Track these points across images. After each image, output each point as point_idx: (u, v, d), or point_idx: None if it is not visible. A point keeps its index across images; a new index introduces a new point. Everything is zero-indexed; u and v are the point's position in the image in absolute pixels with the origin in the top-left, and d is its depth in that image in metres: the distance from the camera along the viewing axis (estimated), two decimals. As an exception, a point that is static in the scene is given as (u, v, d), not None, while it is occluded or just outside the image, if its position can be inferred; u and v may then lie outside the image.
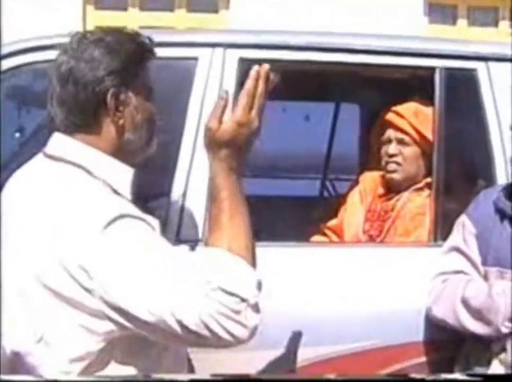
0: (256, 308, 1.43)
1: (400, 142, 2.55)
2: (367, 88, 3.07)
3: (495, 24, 6.86)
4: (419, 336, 2.18)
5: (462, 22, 6.86)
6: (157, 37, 2.27)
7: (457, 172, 2.38)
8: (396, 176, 2.56)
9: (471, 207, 2.15)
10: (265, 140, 5.66)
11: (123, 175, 1.62)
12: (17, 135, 3.16)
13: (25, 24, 5.88)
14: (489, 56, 2.39)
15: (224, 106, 1.55)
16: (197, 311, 1.39)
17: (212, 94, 2.27)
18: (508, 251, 1.94)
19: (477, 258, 2.07)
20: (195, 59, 2.30)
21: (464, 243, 2.11)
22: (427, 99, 2.48)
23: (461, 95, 2.39)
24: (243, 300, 1.41)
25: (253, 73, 1.56)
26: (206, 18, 6.62)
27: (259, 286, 1.45)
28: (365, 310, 2.22)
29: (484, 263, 2.04)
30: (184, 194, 2.22)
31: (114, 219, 1.46)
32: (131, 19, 6.59)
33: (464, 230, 2.12)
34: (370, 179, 2.69)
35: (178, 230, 2.19)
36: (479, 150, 2.34)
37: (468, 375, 1.59)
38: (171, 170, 2.24)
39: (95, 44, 1.59)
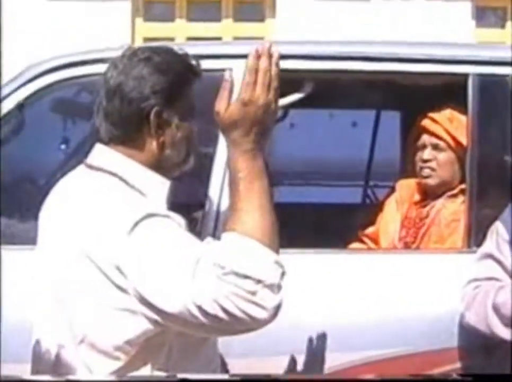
0: (273, 288, 1.43)
1: (435, 147, 2.57)
2: (405, 96, 3.08)
3: (545, 26, 6.78)
4: (453, 342, 2.19)
5: (511, 25, 6.80)
6: (191, 50, 2.34)
7: (491, 178, 2.37)
8: (430, 181, 2.57)
9: (505, 214, 2.13)
10: (311, 147, 5.72)
11: (159, 187, 1.68)
12: (63, 147, 3.25)
13: (75, 36, 6.03)
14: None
15: (230, 88, 1.59)
16: (214, 295, 1.42)
17: (245, 104, 2.31)
18: None
19: (510, 265, 2.06)
20: (230, 70, 2.34)
21: (497, 249, 2.10)
22: (462, 105, 2.48)
23: (494, 101, 2.39)
24: (259, 281, 1.42)
25: (253, 51, 1.58)
26: (253, 27, 6.68)
27: (277, 266, 1.45)
28: (399, 316, 2.24)
29: None
30: (218, 204, 2.26)
31: (142, 219, 1.52)
32: (179, 30, 6.69)
33: (497, 237, 2.11)
34: (406, 186, 2.70)
35: (213, 239, 2.23)
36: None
37: (468, 375, 1.58)
38: (206, 179, 2.28)
39: (144, 63, 1.66)
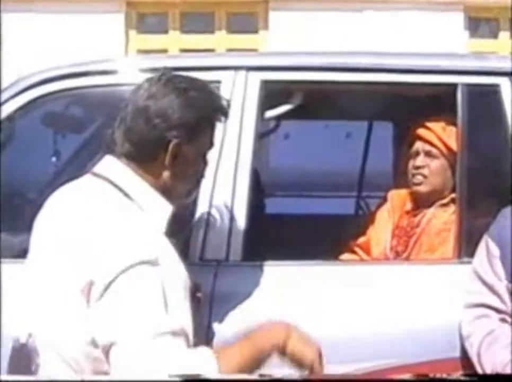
0: None
1: (428, 154, 2.57)
2: (396, 106, 3.09)
3: (538, 37, 6.80)
4: (446, 354, 2.17)
5: (504, 35, 6.82)
6: (180, 62, 2.35)
7: (481, 188, 2.37)
8: (421, 188, 2.57)
9: (493, 228, 2.10)
10: (306, 158, 5.72)
11: (161, 210, 1.70)
12: (53, 159, 3.25)
13: (69, 48, 6.03)
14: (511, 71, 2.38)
15: None
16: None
17: (234, 117, 2.31)
18: None
19: (502, 284, 2.02)
20: (218, 82, 2.35)
21: (490, 268, 2.06)
22: (452, 115, 2.49)
23: (483, 111, 2.39)
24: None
25: None
26: (246, 39, 6.70)
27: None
28: (391, 327, 2.23)
29: None
30: (207, 216, 2.26)
31: (132, 266, 1.54)
32: (172, 41, 6.71)
33: (488, 254, 2.08)
34: (398, 196, 2.70)
35: (202, 250, 2.23)
36: (503, 165, 2.33)
37: (472, 375, 1.58)
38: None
39: (179, 93, 1.68)
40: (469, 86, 2.38)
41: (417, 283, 2.28)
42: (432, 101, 2.67)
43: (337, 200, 4.62)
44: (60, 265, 1.60)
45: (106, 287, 1.53)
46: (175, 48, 6.58)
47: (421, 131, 2.61)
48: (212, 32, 6.71)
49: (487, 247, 2.07)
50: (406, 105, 3.00)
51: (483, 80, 2.39)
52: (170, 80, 1.70)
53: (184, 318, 1.60)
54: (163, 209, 1.70)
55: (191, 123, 1.67)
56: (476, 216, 2.34)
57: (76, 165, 2.55)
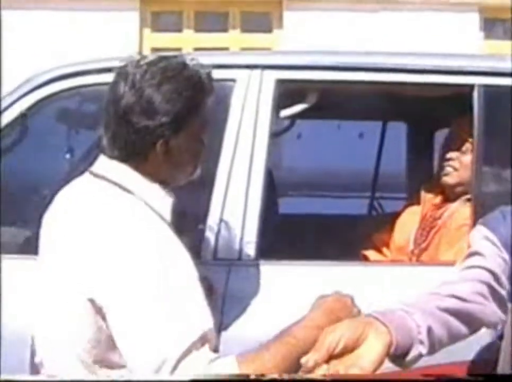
0: None
1: (460, 149, 2.59)
2: (411, 107, 3.07)
3: (553, 38, 6.76)
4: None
5: (519, 37, 6.78)
6: (195, 60, 2.34)
7: (497, 188, 2.36)
8: (449, 179, 2.60)
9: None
10: (318, 157, 5.70)
11: (163, 201, 1.68)
12: (67, 156, 3.25)
13: (84, 45, 6.05)
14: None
15: None
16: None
17: (249, 115, 2.30)
18: None
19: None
20: (233, 80, 2.34)
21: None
22: (468, 116, 2.47)
23: (500, 112, 2.37)
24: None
25: None
26: (260, 38, 6.69)
27: None
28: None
29: None
30: (221, 215, 2.25)
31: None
32: (187, 40, 6.71)
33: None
34: (428, 188, 2.73)
35: (215, 250, 2.22)
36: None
37: (475, 375, 1.54)
38: (209, 189, 2.27)
39: (154, 89, 1.62)
40: (485, 87, 2.36)
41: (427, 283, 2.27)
42: (446, 102, 2.66)
43: (351, 200, 4.61)
44: (66, 269, 1.59)
45: (116, 298, 1.52)
46: (189, 47, 6.58)
47: (455, 126, 2.65)
48: (226, 30, 6.71)
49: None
50: (420, 105, 2.99)
51: (500, 81, 2.37)
52: (143, 75, 1.63)
53: (207, 318, 1.58)
54: (164, 200, 1.68)
55: (174, 117, 1.62)
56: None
57: (90, 162, 2.53)
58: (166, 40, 6.65)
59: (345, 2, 6.50)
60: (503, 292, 1.68)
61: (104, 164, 1.68)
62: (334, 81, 2.39)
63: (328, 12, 6.52)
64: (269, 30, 6.71)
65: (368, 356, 1.35)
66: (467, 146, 2.56)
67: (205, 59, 2.42)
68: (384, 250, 2.76)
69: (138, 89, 1.62)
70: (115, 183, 1.65)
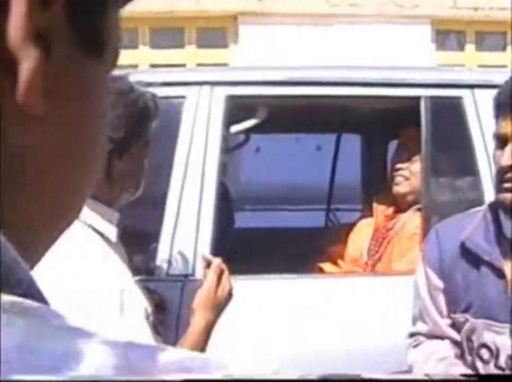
0: None
1: (409, 159, 2.63)
2: (363, 119, 3.12)
3: (503, 49, 6.89)
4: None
5: (470, 47, 6.89)
6: (145, 77, 2.35)
7: (446, 197, 2.40)
8: (400, 189, 2.64)
9: (432, 252, 1.77)
10: (277, 172, 5.69)
11: (109, 219, 1.67)
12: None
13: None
14: (474, 83, 2.42)
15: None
16: None
17: (200, 132, 2.32)
18: (495, 301, 1.64)
19: (444, 322, 1.77)
20: (183, 97, 2.36)
21: (430, 300, 1.78)
22: (417, 127, 2.51)
23: (446, 123, 2.42)
24: None
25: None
26: (216, 54, 6.71)
27: None
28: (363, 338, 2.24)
29: (465, 311, 1.71)
30: (174, 231, 2.26)
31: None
32: (142, 57, 6.70)
33: (429, 284, 1.78)
34: (381, 200, 2.77)
35: (168, 266, 2.23)
36: (465, 176, 2.36)
37: (471, 376, 1.52)
38: (162, 206, 2.28)
39: None
40: (432, 98, 2.41)
41: (381, 294, 2.30)
42: (396, 113, 2.70)
43: (309, 213, 4.64)
44: None
45: None
46: (145, 63, 6.57)
47: (403, 137, 2.69)
48: (182, 46, 6.72)
49: (428, 277, 1.78)
50: (373, 117, 3.03)
51: (446, 93, 2.42)
52: None
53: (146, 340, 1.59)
54: (107, 219, 1.66)
55: (116, 144, 1.59)
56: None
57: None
58: (122, 56, 6.60)
59: (300, 16, 6.55)
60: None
61: None
62: (283, 96, 2.41)
63: (283, 26, 6.57)
64: (225, 45, 6.73)
65: None
66: (416, 156, 2.61)
67: (155, 77, 2.46)
68: (340, 262, 2.79)
69: None
70: None
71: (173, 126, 2.33)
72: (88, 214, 1.65)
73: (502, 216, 1.63)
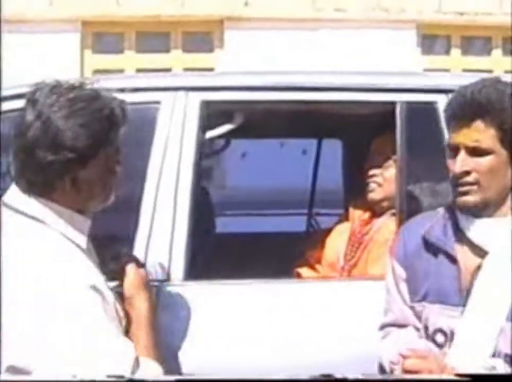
0: None
1: (381, 166, 2.65)
2: (344, 124, 3.12)
3: (489, 53, 6.91)
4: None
5: (456, 52, 6.92)
6: (119, 83, 2.35)
7: (418, 203, 2.40)
8: (374, 195, 2.65)
9: (398, 246, 2.00)
10: (263, 177, 5.69)
11: (80, 226, 1.68)
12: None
13: (23, 68, 5.99)
14: (449, 88, 2.41)
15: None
16: None
17: (175, 137, 2.32)
18: (449, 286, 1.84)
19: (407, 304, 1.94)
20: (158, 103, 2.35)
21: (396, 289, 1.97)
22: (393, 133, 2.52)
23: (422, 128, 2.42)
24: None
25: None
26: (202, 58, 6.72)
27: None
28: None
29: (423, 299, 1.89)
30: (148, 236, 2.25)
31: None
32: (128, 61, 6.70)
33: (394, 274, 1.98)
34: (356, 205, 2.76)
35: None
36: (440, 181, 2.37)
37: (467, 375, 1.59)
38: (136, 212, 2.28)
39: (62, 123, 1.59)
40: (407, 103, 2.41)
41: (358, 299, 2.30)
42: (376, 118, 2.70)
43: (294, 218, 4.64)
44: None
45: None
46: (131, 68, 6.58)
47: (376, 143, 2.70)
48: (168, 51, 6.73)
49: (393, 269, 1.99)
50: (351, 122, 3.03)
51: (421, 98, 2.42)
52: (51, 106, 1.60)
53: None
54: (78, 226, 1.68)
55: (81, 152, 1.60)
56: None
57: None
58: (108, 61, 6.64)
59: (286, 21, 6.56)
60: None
61: (15, 194, 1.66)
62: (259, 102, 2.41)
63: (269, 31, 6.58)
64: (211, 50, 6.74)
65: None
66: (389, 161, 2.61)
67: (129, 82, 2.46)
68: (317, 266, 2.79)
69: (45, 121, 1.59)
70: (26, 215, 1.64)
71: (148, 131, 2.33)
72: (59, 222, 1.65)
73: (458, 214, 1.87)
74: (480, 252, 1.83)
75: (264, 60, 6.25)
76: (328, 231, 2.89)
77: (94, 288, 1.60)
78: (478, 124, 1.77)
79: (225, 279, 2.32)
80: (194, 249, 2.33)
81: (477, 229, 1.83)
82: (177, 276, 2.25)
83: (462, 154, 1.80)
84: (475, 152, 1.79)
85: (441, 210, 1.96)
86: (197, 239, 2.41)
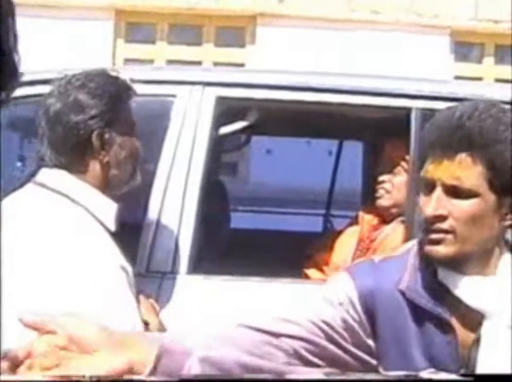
0: None
1: (391, 171, 2.63)
2: (365, 127, 3.11)
3: (522, 63, 6.85)
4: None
5: (489, 60, 6.86)
6: (137, 75, 2.37)
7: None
8: (382, 202, 2.62)
9: (363, 280, 1.48)
10: (287, 174, 5.69)
11: (107, 208, 1.74)
12: (19, 164, 3.26)
13: (57, 56, 6.06)
14: (464, 97, 2.40)
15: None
16: None
17: (188, 131, 2.33)
18: (441, 355, 1.43)
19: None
20: (174, 96, 2.37)
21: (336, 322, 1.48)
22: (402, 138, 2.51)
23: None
24: None
25: None
26: (233, 53, 6.73)
27: None
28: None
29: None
30: (156, 228, 2.27)
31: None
32: (159, 52, 6.73)
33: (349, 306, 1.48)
34: (368, 210, 2.76)
35: (148, 262, 2.25)
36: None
37: (462, 375, 1.46)
38: (145, 203, 2.30)
39: (79, 90, 1.74)
40: (422, 110, 2.40)
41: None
42: (390, 123, 2.70)
43: (310, 218, 4.64)
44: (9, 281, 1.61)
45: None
46: (162, 59, 6.61)
47: (387, 149, 2.67)
48: (199, 44, 6.75)
49: (352, 302, 1.48)
50: (369, 126, 3.03)
51: (436, 105, 2.41)
52: (68, 82, 1.76)
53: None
54: (107, 207, 1.74)
55: (102, 110, 1.73)
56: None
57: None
58: (139, 51, 6.68)
59: (319, 20, 6.56)
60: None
61: (45, 173, 1.74)
62: (274, 101, 2.42)
63: (302, 29, 6.58)
64: (242, 45, 6.75)
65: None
66: (399, 168, 2.60)
67: (146, 74, 2.48)
68: (325, 268, 2.79)
69: (64, 94, 1.74)
70: (57, 192, 1.70)
71: (161, 124, 2.35)
72: (90, 203, 1.70)
73: (437, 266, 1.45)
74: (475, 317, 1.43)
75: (295, 59, 6.26)
76: (339, 233, 2.89)
77: (123, 269, 1.66)
78: (464, 158, 1.38)
79: (229, 275, 2.33)
80: (202, 243, 2.35)
81: (469, 289, 1.42)
82: (182, 268, 2.26)
83: (438, 193, 1.41)
84: (455, 192, 1.39)
85: (410, 257, 1.49)
86: (206, 233, 2.43)
